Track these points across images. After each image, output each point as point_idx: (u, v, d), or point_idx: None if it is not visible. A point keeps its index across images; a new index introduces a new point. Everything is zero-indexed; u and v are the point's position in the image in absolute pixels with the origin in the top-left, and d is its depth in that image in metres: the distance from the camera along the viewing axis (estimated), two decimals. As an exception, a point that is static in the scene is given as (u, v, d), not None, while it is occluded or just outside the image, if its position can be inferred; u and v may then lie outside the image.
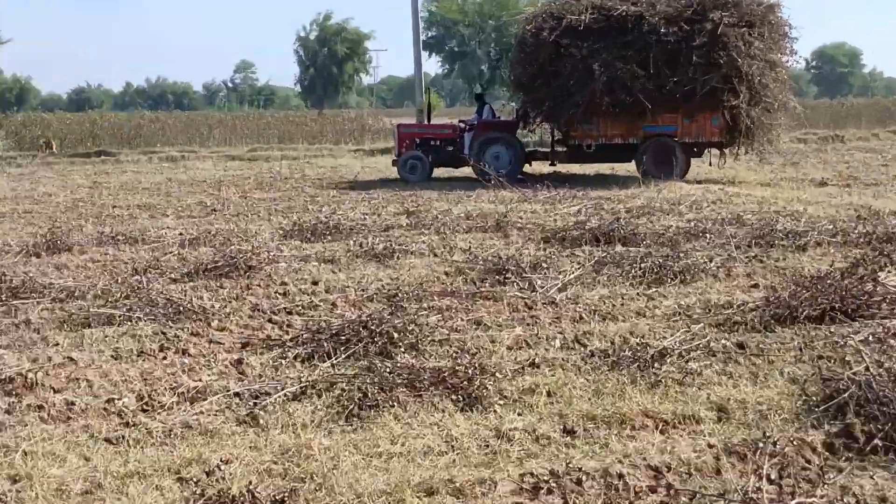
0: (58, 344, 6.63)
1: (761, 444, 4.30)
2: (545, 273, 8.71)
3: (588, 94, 18.29)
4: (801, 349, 6.14)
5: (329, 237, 11.31)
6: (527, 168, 20.66)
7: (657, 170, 18.84)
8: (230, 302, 7.84)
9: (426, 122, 22.37)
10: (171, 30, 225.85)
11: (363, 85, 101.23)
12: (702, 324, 6.80)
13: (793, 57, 20.49)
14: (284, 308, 7.67)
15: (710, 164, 20.73)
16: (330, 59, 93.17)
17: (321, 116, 46.16)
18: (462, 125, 20.97)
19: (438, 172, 20.52)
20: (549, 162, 20.92)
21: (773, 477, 4.05)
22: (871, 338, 6.20)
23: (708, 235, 10.74)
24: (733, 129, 18.88)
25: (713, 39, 17.83)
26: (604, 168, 21.66)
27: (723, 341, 6.29)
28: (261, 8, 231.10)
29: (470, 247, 10.54)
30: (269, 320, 7.29)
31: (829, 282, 7.20)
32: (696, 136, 19.18)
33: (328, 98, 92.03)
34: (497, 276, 8.62)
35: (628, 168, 20.49)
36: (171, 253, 10.40)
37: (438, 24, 57.96)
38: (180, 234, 11.84)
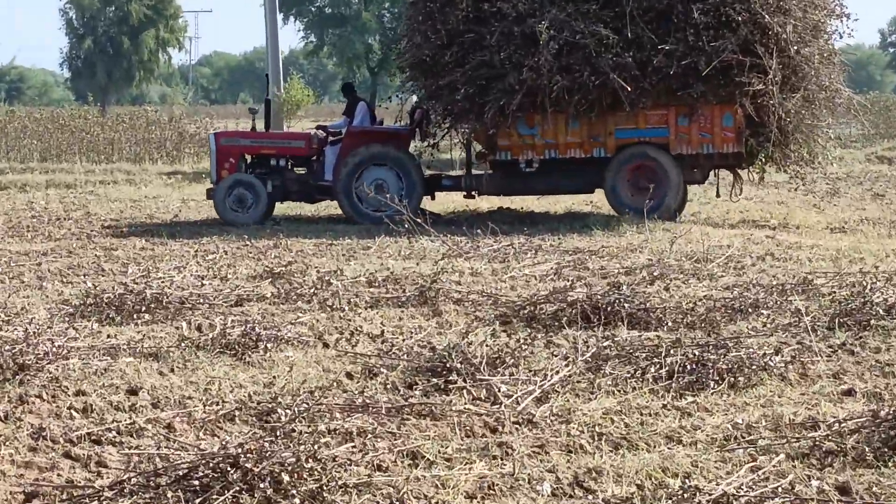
0: None
1: None
2: (512, 373, 8.72)
3: (528, 76, 18.17)
4: (936, 494, 6.23)
5: (147, 316, 11.18)
6: (428, 203, 20.69)
7: (639, 195, 18.76)
8: (-3, 425, 7.69)
9: (264, 130, 21.91)
10: None
11: (174, 68, 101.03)
12: (777, 455, 6.84)
13: (845, 21, 20.35)
14: (88, 434, 7.52)
15: (719, 195, 21.13)
16: (118, 24, 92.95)
17: (105, 118, 45.61)
18: (321, 134, 20.87)
19: (284, 208, 20.30)
20: (464, 192, 20.90)
21: None
22: None
23: (762, 311, 10.86)
24: (759, 132, 18.83)
25: None
26: (579, 200, 21.82)
27: (815, 482, 6.33)
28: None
29: (383, 331, 10.53)
30: (67, 454, 7.14)
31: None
32: (698, 146, 19.09)
33: (116, 88, 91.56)
34: (434, 380, 8.60)
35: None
36: None
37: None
38: None
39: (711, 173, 20.21)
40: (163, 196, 25.32)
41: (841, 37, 20.13)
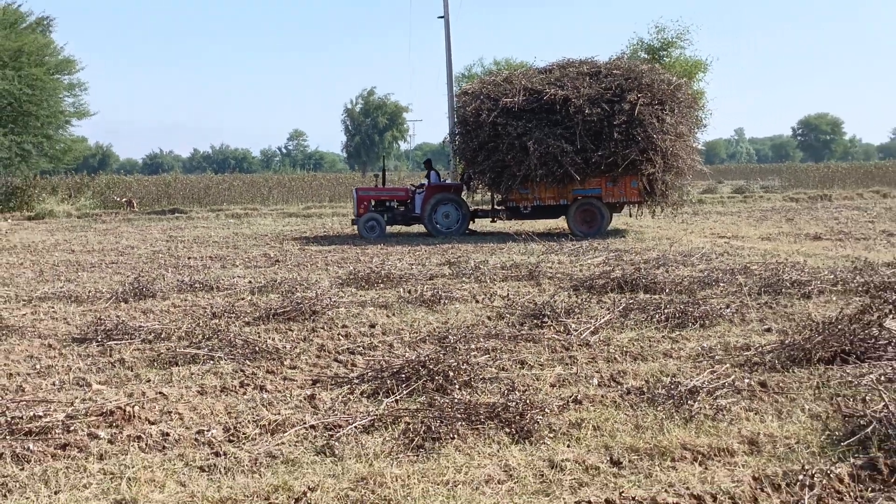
0: (149, 380, 6.61)
1: (800, 477, 4.17)
2: (578, 318, 8.62)
3: (524, 168, 18.54)
4: (818, 388, 6.00)
5: (381, 285, 11.27)
6: (471, 224, 20.78)
7: (585, 226, 19.36)
8: (299, 343, 7.79)
9: (382, 186, 21.85)
10: (232, 102, 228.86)
11: (401, 150, 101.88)
12: (725, 364, 6.67)
13: (700, 128, 22.32)
14: (347, 349, 7.60)
15: (631, 215, 21.86)
16: (372, 128, 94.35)
17: (365, 177, 46.34)
18: (412, 188, 20.84)
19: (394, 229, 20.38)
20: (491, 219, 21.00)
21: (812, 506, 3.92)
22: (882, 378, 6.05)
23: (720, 284, 10.61)
24: (650, 191, 19.18)
25: (631, 118, 18.29)
26: (619, 223, 21.61)
27: (746, 380, 6.15)
28: (312, 83, 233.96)
29: (508, 294, 10.46)
30: (335, 359, 7.22)
31: (839, 327, 7.05)
32: (618, 197, 19.39)
33: (370, 162, 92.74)
34: (535, 321, 8.51)
35: (640, 223, 20.41)
36: (243, 299, 10.40)
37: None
38: (249, 282, 11.85)
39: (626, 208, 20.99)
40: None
41: (700, 135, 22.40)
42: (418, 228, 20.81)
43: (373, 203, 20.54)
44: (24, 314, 9.59)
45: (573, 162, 18.27)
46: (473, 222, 20.82)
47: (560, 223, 21.26)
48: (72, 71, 30.39)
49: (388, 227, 20.32)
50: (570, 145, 18.24)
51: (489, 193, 20.90)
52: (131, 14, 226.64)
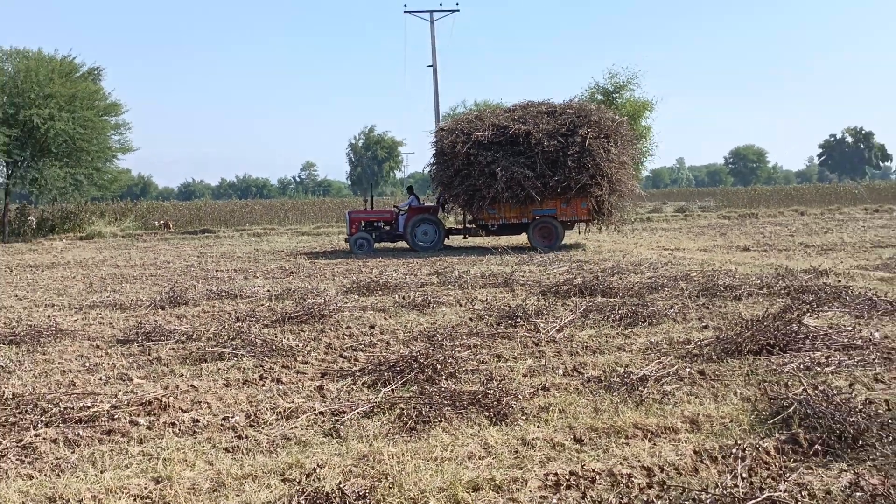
0: (182, 375, 6.55)
1: (734, 450, 4.16)
2: (546, 318, 8.59)
3: (493, 191, 18.54)
4: (748, 375, 6.00)
5: (380, 292, 11.21)
6: (447, 241, 20.72)
7: (543, 241, 19.28)
8: (309, 342, 7.73)
9: (370, 209, 21.64)
10: (253, 138, 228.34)
11: (396, 178, 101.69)
12: (670, 356, 6.65)
13: (647, 157, 24.49)
14: (351, 346, 7.55)
15: (580, 233, 21.94)
16: (372, 159, 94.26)
17: (366, 202, 46.21)
18: (396, 209, 20.73)
19: (392, 247, 20.26)
20: (463, 237, 20.88)
21: (743, 475, 3.90)
22: (801, 367, 6.06)
23: (665, 289, 10.61)
24: (597, 210, 19.32)
25: (582, 148, 18.43)
26: (580, 238, 21.64)
27: (687, 369, 6.14)
28: (321, 121, 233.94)
29: (486, 298, 10.43)
30: (341, 356, 7.18)
31: (764, 324, 7.07)
32: (571, 216, 19.39)
33: (370, 189, 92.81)
34: (509, 321, 8.48)
35: (598, 238, 20.39)
36: (262, 305, 10.33)
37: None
38: (268, 290, 11.78)
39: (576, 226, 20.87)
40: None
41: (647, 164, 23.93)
42: (402, 245, 20.71)
43: (363, 223, 20.35)
44: (76, 320, 9.51)
45: (534, 186, 18.35)
46: (448, 239, 20.77)
47: (525, 239, 21.23)
48: (118, 113, 30.23)
49: (375, 244, 20.13)
50: (531, 171, 18.31)
51: (462, 214, 20.80)
52: (169, 63, 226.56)
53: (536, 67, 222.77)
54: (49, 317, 9.78)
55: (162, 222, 31.80)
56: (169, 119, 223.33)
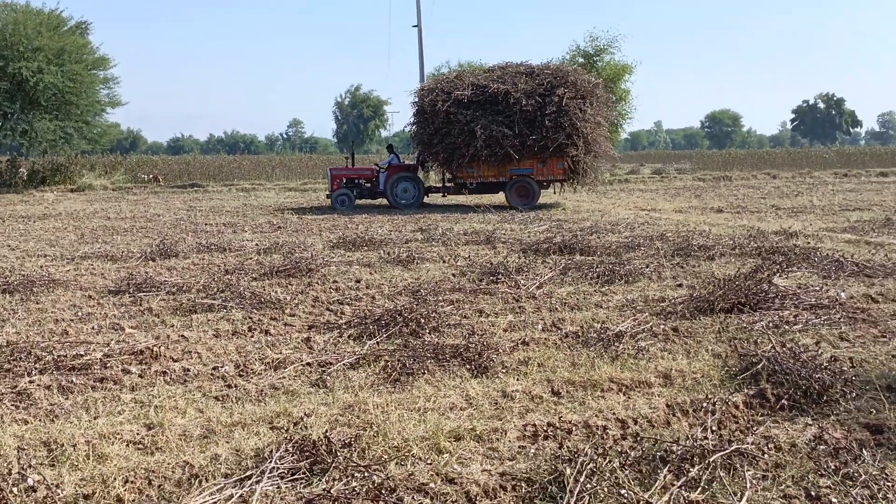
0: (173, 325, 6.53)
1: (704, 404, 4.22)
2: (526, 275, 8.61)
3: (472, 149, 18.38)
4: (719, 332, 6.06)
5: (365, 248, 11.18)
6: (426, 199, 20.52)
7: (520, 200, 19.19)
8: (297, 295, 7.71)
9: (351, 166, 21.46)
10: (242, 95, 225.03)
11: (382, 137, 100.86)
12: (645, 313, 6.71)
13: (627, 120, 24.06)
14: (337, 300, 7.55)
15: (556, 192, 21.64)
16: (358, 118, 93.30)
17: (347, 159, 45.77)
18: (377, 167, 20.52)
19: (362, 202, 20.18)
20: (442, 194, 20.78)
21: (713, 428, 3.96)
22: (770, 325, 6.13)
23: (641, 248, 10.65)
24: (573, 170, 19.13)
25: (559, 109, 18.30)
26: (559, 198, 21.60)
27: (661, 326, 6.20)
28: (309, 79, 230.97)
29: (469, 255, 10.43)
30: (327, 309, 7.17)
31: (736, 283, 7.12)
32: (547, 176, 19.26)
33: (357, 146, 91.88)
34: (491, 278, 8.50)
35: (577, 198, 20.39)
36: (250, 259, 10.28)
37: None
38: (256, 244, 11.71)
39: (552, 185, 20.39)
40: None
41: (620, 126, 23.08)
42: (381, 202, 20.57)
43: (344, 180, 20.15)
44: (68, 270, 9.43)
45: (512, 144, 18.23)
46: (428, 197, 20.63)
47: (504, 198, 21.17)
48: (106, 67, 29.64)
49: (356, 201, 19.99)
50: (509, 130, 18.17)
51: (441, 173, 20.66)
52: (158, 18, 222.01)
53: (521, 30, 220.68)
54: (41, 267, 9.69)
55: (151, 176, 31.40)
56: (158, 74, 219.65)
